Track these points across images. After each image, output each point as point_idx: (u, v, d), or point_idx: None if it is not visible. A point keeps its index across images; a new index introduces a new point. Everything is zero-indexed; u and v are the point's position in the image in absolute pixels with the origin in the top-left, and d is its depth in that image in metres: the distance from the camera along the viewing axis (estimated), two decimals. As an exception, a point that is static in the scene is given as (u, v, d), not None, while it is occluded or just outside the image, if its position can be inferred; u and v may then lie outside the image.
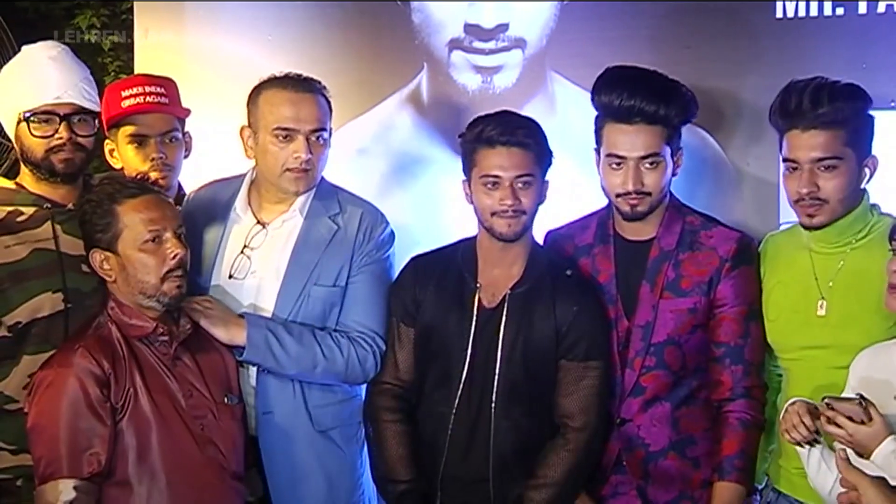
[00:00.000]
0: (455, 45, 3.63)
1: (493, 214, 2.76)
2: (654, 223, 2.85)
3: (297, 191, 2.90)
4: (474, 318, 2.81)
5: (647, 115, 2.72)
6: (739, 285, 2.80)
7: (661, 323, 2.81)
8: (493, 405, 2.78)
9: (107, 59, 4.79)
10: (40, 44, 2.92)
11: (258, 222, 2.95)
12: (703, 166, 3.28)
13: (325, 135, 2.90)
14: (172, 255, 2.59)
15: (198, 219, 2.98)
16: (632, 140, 2.75)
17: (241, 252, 2.93)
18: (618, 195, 2.79)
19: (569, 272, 2.86)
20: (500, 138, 2.74)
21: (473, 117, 2.88)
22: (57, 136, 2.78)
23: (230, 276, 2.93)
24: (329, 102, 2.95)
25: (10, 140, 2.93)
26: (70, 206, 2.79)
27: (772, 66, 3.21)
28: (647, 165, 2.76)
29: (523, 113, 2.95)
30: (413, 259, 2.97)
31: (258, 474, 2.88)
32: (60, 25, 4.77)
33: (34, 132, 2.78)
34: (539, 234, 2.97)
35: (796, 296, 2.76)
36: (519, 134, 2.75)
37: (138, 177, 2.71)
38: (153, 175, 2.94)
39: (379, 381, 2.93)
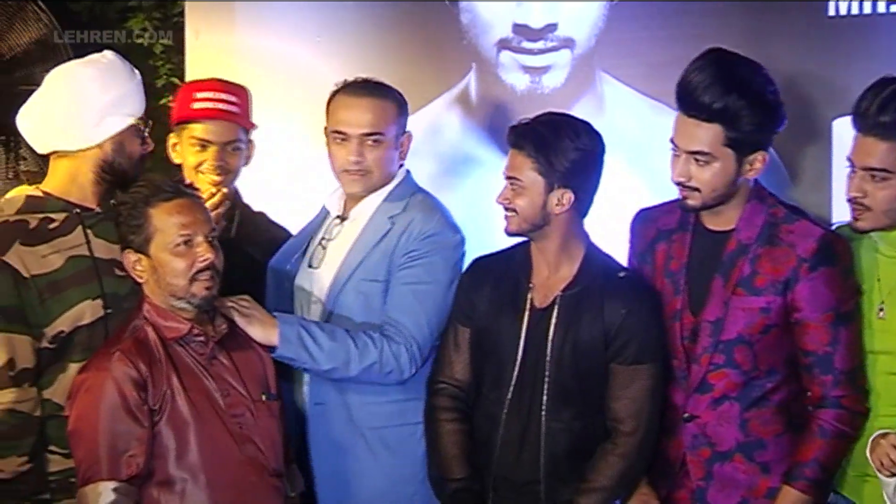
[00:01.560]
0: (503, 45, 3.64)
1: None
2: (734, 214, 2.73)
3: (354, 192, 3.01)
4: (526, 318, 2.82)
5: (702, 107, 2.62)
6: (819, 288, 2.64)
7: (732, 320, 2.70)
8: (543, 407, 2.78)
9: (158, 61, 4.82)
10: (116, 54, 2.91)
11: (339, 216, 3.07)
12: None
13: (383, 137, 2.97)
14: (202, 258, 2.60)
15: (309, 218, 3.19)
16: (685, 131, 2.68)
17: (319, 243, 3.06)
18: (674, 182, 2.74)
19: (622, 274, 2.84)
20: (510, 138, 2.81)
21: (521, 117, 2.88)
22: (147, 145, 2.83)
23: (309, 266, 3.05)
24: (402, 105, 3.03)
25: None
26: (97, 209, 2.79)
27: (823, 64, 3.19)
28: (698, 161, 2.67)
29: (572, 113, 2.92)
30: (474, 260, 2.98)
31: (299, 469, 2.89)
32: (113, 28, 4.80)
33: (147, 141, 2.82)
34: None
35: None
36: (523, 139, 2.78)
37: (175, 179, 2.75)
38: (210, 179, 3.05)
39: (435, 380, 2.93)
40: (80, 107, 2.74)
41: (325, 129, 3.06)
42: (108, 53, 2.84)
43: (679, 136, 2.69)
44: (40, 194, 2.78)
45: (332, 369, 2.87)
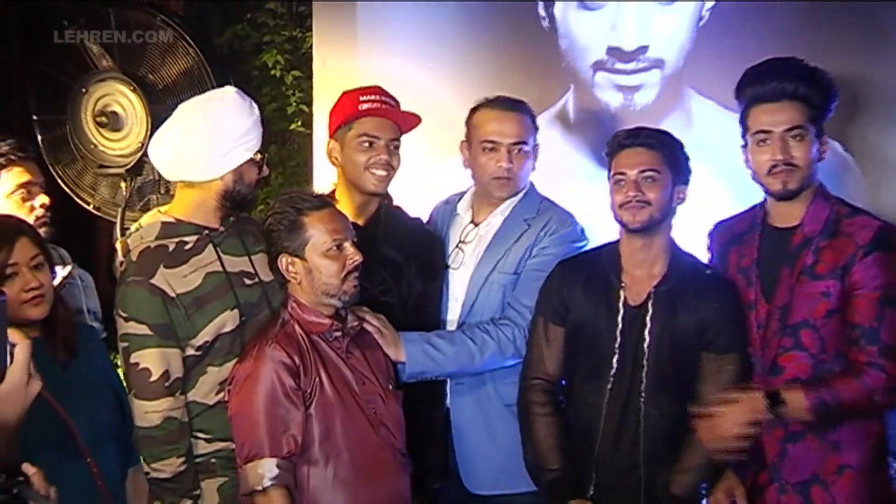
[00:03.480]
0: (599, 66, 3.84)
1: (620, 207, 2.90)
2: (801, 209, 2.86)
3: (502, 196, 3.25)
4: (620, 315, 2.93)
5: (788, 92, 2.80)
6: (871, 269, 2.75)
7: (797, 305, 2.81)
8: (641, 395, 2.90)
9: (289, 90, 4.99)
10: (237, 90, 3.02)
11: (472, 221, 3.32)
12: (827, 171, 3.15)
13: (526, 147, 3.21)
14: (352, 260, 2.81)
15: (433, 222, 3.41)
16: (777, 116, 2.82)
17: (457, 246, 3.30)
18: (767, 172, 2.84)
19: (708, 271, 2.97)
20: (626, 141, 2.93)
21: (615, 132, 3.02)
22: (263, 172, 3.03)
23: (446, 266, 3.30)
24: (534, 120, 3.26)
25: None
26: (221, 228, 2.97)
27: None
28: (794, 139, 2.81)
29: (662, 127, 3.07)
30: (560, 263, 3.09)
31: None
32: (248, 61, 5.00)
33: (263, 169, 3.01)
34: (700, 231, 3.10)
35: None
36: (641, 136, 2.92)
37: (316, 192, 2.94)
38: (378, 174, 3.17)
39: (528, 376, 3.06)
40: (210, 141, 2.88)
41: (464, 141, 3.29)
42: (230, 90, 3.00)
43: (770, 121, 2.83)
44: (173, 220, 2.94)
45: (458, 370, 3.10)
